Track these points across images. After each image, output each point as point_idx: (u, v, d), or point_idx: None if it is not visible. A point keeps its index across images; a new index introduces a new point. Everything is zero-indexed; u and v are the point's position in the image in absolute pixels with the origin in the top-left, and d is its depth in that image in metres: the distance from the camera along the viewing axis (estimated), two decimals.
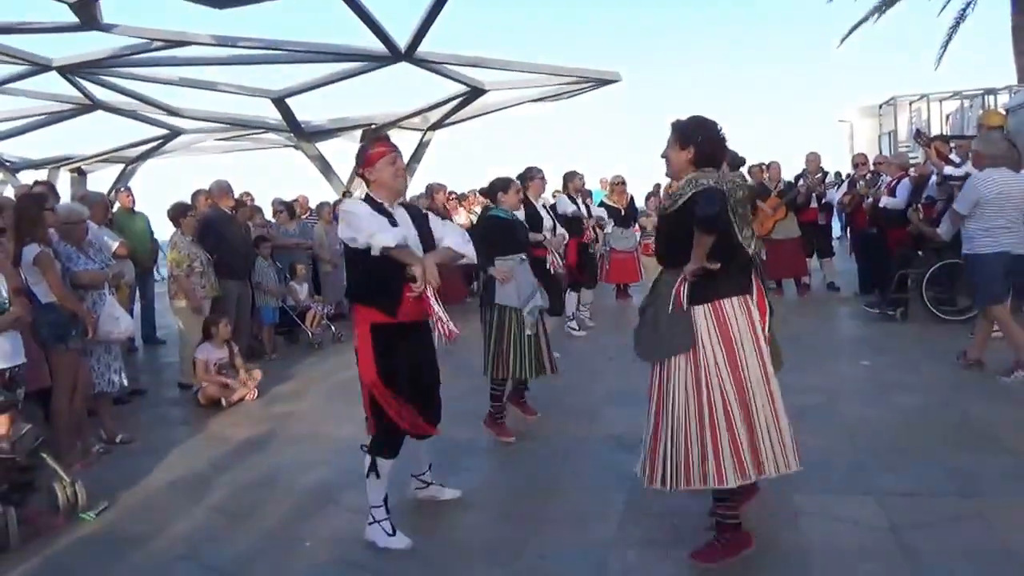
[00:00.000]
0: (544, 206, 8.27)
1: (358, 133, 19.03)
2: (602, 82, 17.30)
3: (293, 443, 6.01)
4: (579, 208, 9.78)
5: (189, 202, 8.65)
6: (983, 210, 6.57)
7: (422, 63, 14.52)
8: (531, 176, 7.79)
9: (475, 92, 16.85)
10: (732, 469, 3.51)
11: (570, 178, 9.95)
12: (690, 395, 3.57)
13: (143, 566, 4.01)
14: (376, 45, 13.52)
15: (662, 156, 3.86)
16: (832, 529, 3.88)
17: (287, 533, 4.26)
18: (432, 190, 12.76)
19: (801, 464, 3.64)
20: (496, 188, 6.19)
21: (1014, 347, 6.62)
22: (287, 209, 11.68)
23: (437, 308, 3.94)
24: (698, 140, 3.72)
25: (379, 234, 3.79)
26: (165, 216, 8.25)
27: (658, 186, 16.21)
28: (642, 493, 4.33)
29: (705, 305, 3.59)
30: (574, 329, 9.79)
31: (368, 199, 4.06)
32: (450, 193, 13.40)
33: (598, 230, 10.63)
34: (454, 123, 19.52)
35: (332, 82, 15.81)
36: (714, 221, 3.47)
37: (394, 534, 4.02)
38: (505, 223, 6.07)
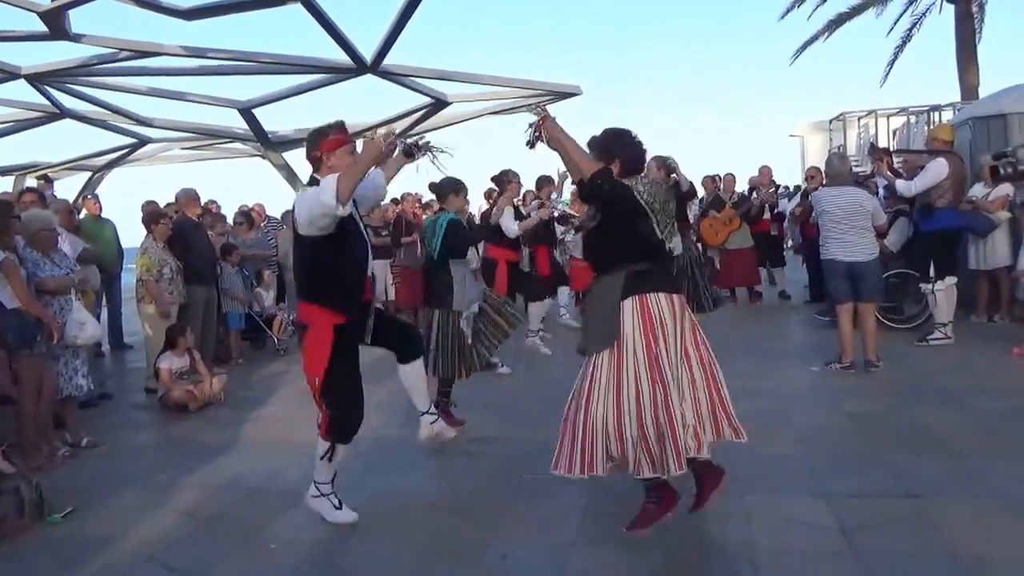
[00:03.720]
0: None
1: None
2: (562, 95, 17.44)
3: (258, 447, 6.07)
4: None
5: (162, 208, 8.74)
6: (820, 222, 7.46)
7: (387, 75, 14.57)
8: (509, 180, 7.91)
9: (439, 104, 16.92)
10: (647, 463, 3.71)
11: (545, 182, 9.93)
12: (609, 390, 3.73)
13: (109, 568, 4.01)
14: (342, 57, 13.56)
15: None
16: (783, 530, 3.95)
17: (252, 536, 4.28)
18: (403, 197, 13.35)
19: (743, 436, 3.96)
20: (447, 188, 6.12)
21: (840, 344, 7.38)
22: (246, 219, 11.71)
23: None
24: (620, 152, 3.93)
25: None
26: (130, 223, 8.31)
27: None
28: (603, 494, 4.47)
29: (633, 298, 3.75)
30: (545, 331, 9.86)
31: (316, 183, 4.03)
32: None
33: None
34: (418, 134, 19.56)
35: (299, 93, 15.80)
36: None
37: (341, 508, 4.13)
38: (462, 227, 6.11)
